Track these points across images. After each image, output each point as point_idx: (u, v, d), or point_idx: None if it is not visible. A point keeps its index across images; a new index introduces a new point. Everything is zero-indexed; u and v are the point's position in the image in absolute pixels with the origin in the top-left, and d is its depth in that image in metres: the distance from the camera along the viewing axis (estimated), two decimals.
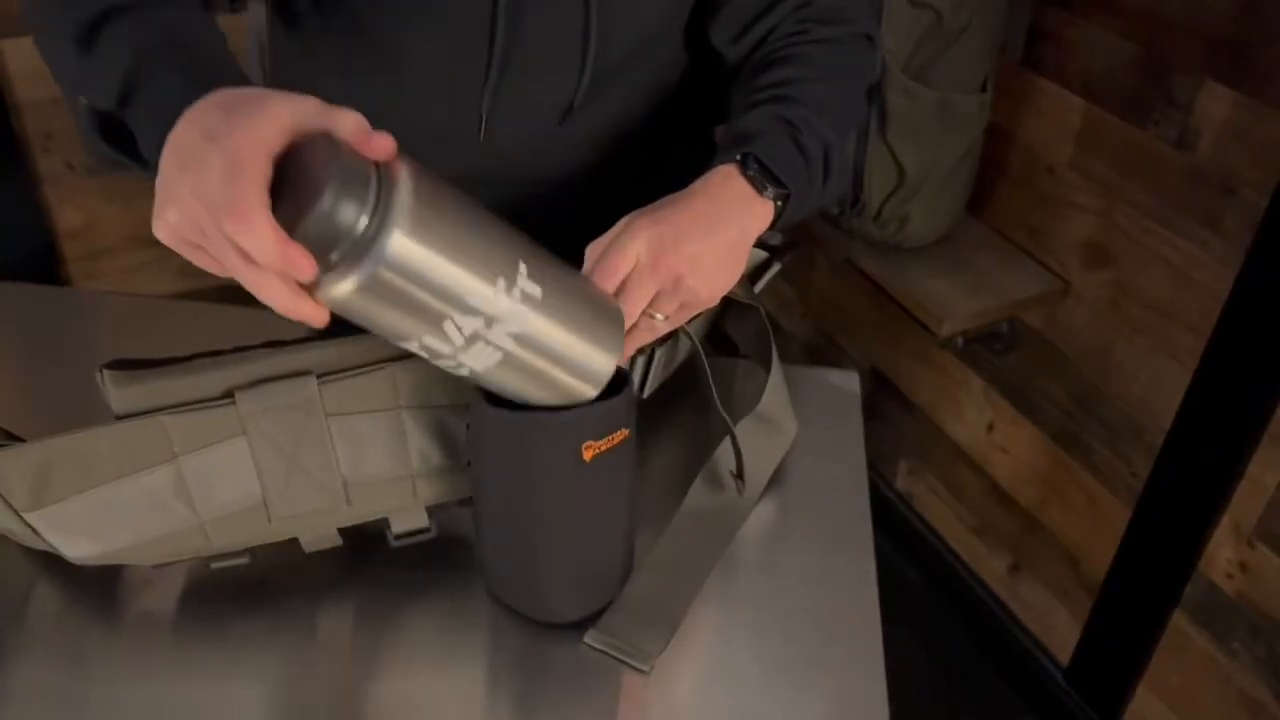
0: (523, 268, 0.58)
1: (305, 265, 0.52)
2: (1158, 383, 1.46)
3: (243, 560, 0.73)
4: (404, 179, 0.53)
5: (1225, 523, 1.41)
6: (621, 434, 0.67)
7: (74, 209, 1.80)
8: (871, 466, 1.12)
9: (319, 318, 0.55)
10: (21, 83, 1.66)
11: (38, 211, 1.77)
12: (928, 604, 1.96)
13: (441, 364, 0.60)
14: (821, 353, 2.13)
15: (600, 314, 0.65)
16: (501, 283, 0.57)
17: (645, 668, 0.71)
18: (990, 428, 1.78)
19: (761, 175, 0.75)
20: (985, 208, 1.68)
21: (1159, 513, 1.49)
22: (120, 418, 0.67)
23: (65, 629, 0.72)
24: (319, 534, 0.73)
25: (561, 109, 0.85)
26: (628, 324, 0.70)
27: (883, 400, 2.00)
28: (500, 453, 0.67)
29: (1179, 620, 1.51)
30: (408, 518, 0.74)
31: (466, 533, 0.78)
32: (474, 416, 0.67)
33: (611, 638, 0.72)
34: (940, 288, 1.58)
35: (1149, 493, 1.50)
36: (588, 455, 0.65)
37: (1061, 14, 1.48)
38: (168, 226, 0.56)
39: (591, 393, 0.65)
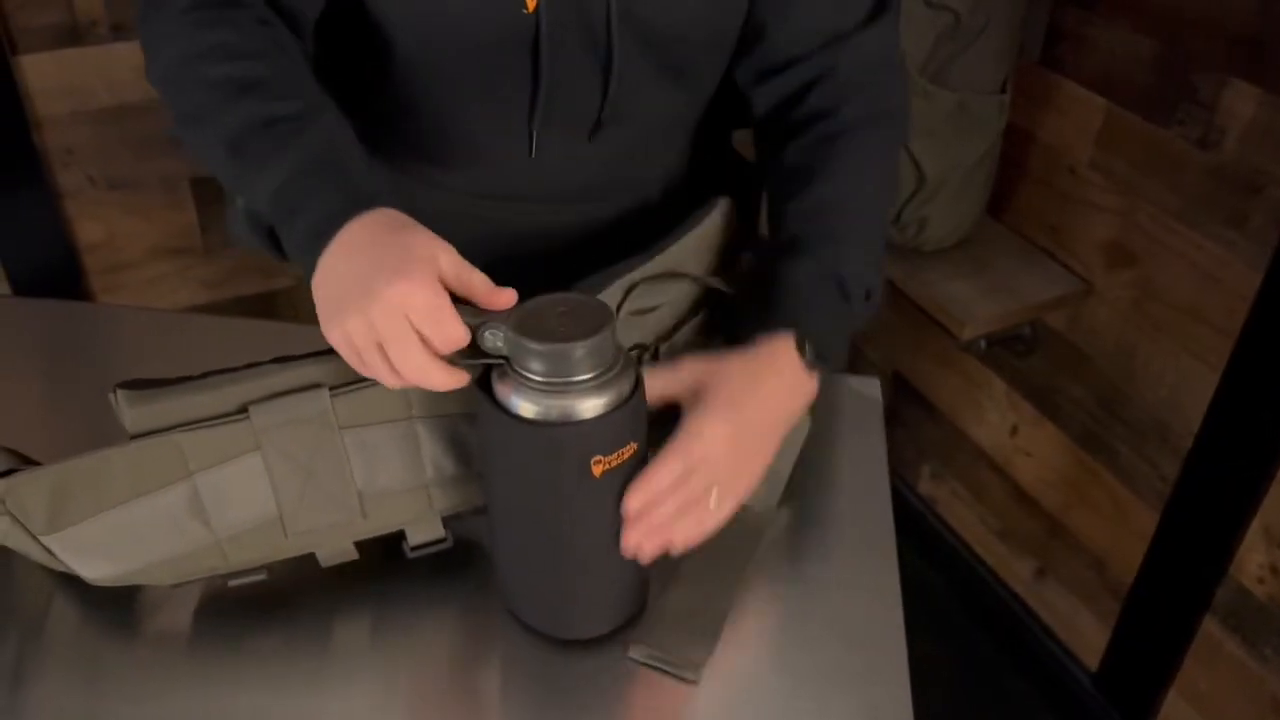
0: None
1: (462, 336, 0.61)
2: (1183, 384, 1.45)
3: (260, 576, 0.73)
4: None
5: (1255, 526, 1.39)
6: (631, 448, 0.65)
7: (94, 222, 1.81)
8: (894, 472, 1.12)
9: (453, 381, 0.63)
10: (41, 98, 1.67)
11: (58, 225, 1.78)
12: (952, 609, 1.94)
13: None
14: None
15: None
16: None
17: (694, 677, 0.70)
18: (1013, 431, 1.76)
19: (816, 360, 0.76)
20: (1006, 209, 1.67)
21: (1188, 516, 1.47)
22: (135, 437, 0.67)
23: (83, 646, 0.72)
24: (335, 548, 0.73)
25: (589, 125, 0.86)
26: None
27: (905, 404, 1.98)
28: (507, 465, 0.66)
29: (1209, 625, 1.49)
30: (424, 529, 0.74)
31: (483, 543, 0.78)
32: (481, 423, 0.66)
33: (656, 650, 0.71)
34: (961, 290, 1.57)
35: (1177, 496, 1.48)
36: (597, 471, 0.63)
37: (1080, 13, 1.46)
38: (341, 332, 0.62)
39: None
